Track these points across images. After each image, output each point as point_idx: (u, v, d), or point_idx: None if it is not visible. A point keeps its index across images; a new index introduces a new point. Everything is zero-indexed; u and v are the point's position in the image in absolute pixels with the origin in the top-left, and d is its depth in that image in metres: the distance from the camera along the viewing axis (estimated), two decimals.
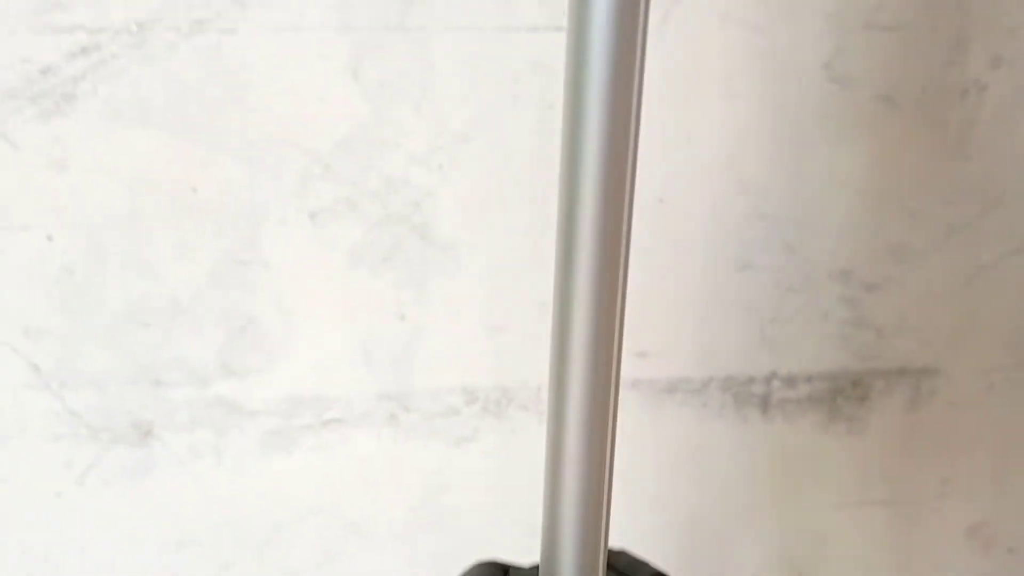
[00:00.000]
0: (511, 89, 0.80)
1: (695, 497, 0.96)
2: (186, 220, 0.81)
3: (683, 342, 0.91)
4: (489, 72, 0.79)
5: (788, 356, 0.93)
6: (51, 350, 0.83)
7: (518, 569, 0.50)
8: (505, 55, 0.79)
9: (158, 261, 0.82)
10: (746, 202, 0.87)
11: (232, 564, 0.92)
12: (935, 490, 1.00)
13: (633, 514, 0.95)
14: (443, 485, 0.92)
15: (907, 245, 0.91)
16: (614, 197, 0.38)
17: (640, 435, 0.93)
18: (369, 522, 0.92)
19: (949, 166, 0.88)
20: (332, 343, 0.86)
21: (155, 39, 0.76)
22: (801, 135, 0.86)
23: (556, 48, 0.79)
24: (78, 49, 0.76)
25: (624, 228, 0.39)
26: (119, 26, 0.76)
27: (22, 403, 0.84)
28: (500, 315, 0.87)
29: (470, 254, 0.85)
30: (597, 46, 0.36)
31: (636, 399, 0.92)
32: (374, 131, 0.81)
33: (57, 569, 0.89)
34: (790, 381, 0.94)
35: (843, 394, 0.95)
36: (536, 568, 0.49)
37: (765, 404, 0.94)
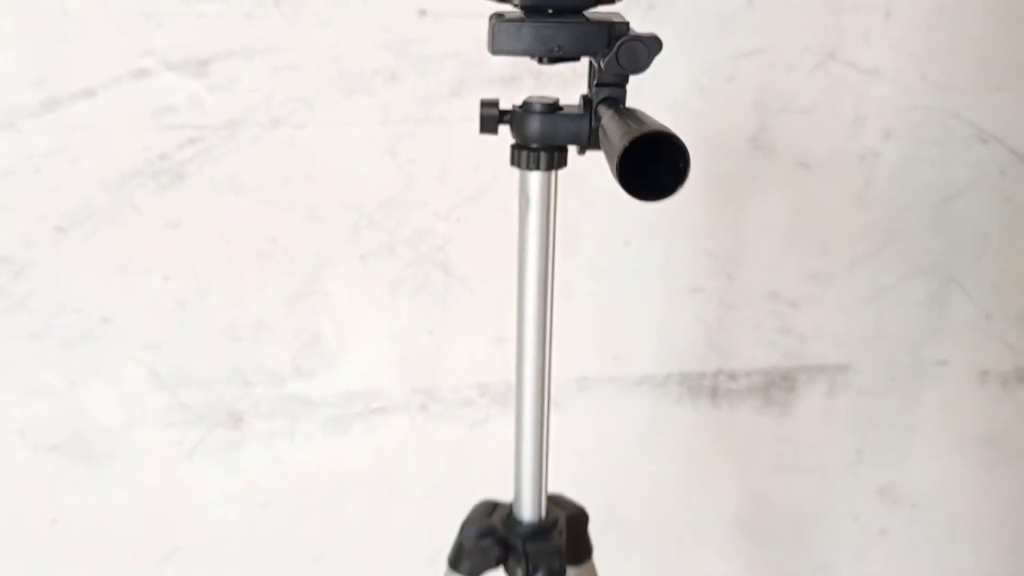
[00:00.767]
0: (508, 165, 1.05)
1: (658, 467, 1.22)
2: (267, 263, 1.07)
3: (648, 347, 1.17)
4: (492, 152, 1.04)
5: (731, 357, 1.19)
6: (167, 360, 1.10)
7: (502, 504, 0.78)
8: (504, 140, 1.04)
9: (247, 293, 1.08)
10: (696, 242, 1.13)
11: (302, 517, 1.19)
12: (851, 458, 1.25)
13: (608, 479, 1.22)
14: (462, 458, 1.18)
15: (822, 272, 1.16)
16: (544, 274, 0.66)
17: (614, 419, 1.19)
18: (405, 486, 1.19)
19: (852, 214, 1.13)
20: (377, 352, 1.13)
21: (244, 133, 1.02)
22: (736, 191, 1.11)
23: None
24: (186, 140, 1.02)
25: (549, 288, 0.67)
26: (217, 124, 1.02)
27: (145, 400, 1.11)
28: (504, 329, 1.12)
29: (480, 285, 1.11)
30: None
31: (611, 391, 1.18)
32: (407, 195, 1.07)
33: (172, 523, 1.17)
34: (733, 376, 1.19)
35: (775, 386, 1.21)
36: (510, 504, 0.76)
37: (713, 394, 1.20)
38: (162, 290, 1.07)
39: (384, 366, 1.14)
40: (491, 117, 0.65)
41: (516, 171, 0.68)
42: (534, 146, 0.66)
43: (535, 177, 0.67)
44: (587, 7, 0.61)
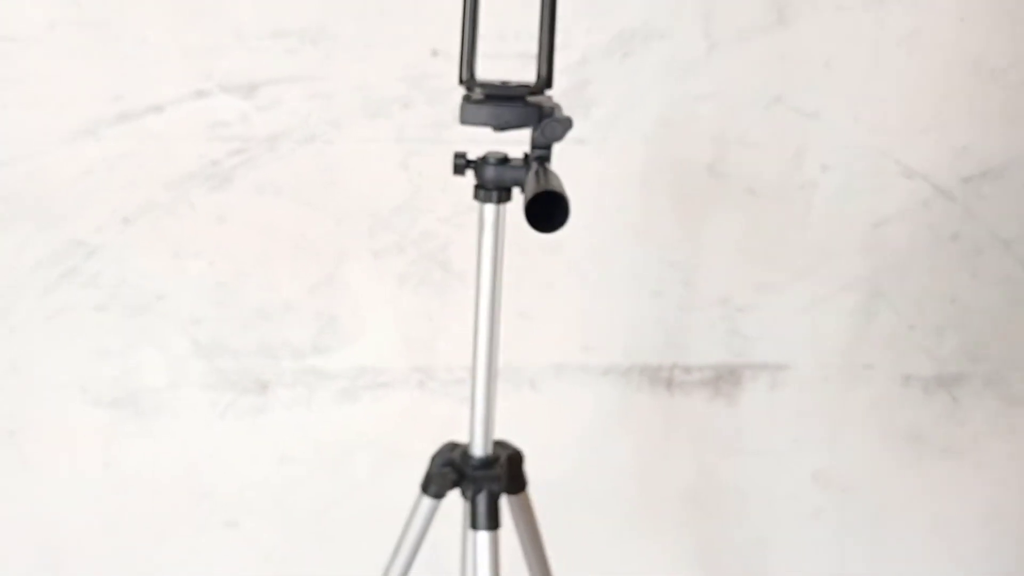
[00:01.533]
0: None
1: (620, 445, 1.42)
2: (297, 255, 1.28)
3: (615, 341, 1.37)
4: None
5: (686, 353, 1.38)
6: (207, 332, 1.31)
7: (460, 444, 1.01)
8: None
9: (278, 279, 1.29)
10: (660, 254, 1.32)
11: (315, 474, 1.39)
12: (788, 446, 1.45)
13: (581, 456, 1.41)
14: (453, 428, 1.38)
15: (768, 282, 1.35)
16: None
17: (584, 401, 1.39)
18: (405, 450, 1.38)
19: (794, 234, 1.33)
20: (384, 335, 1.33)
21: (283, 146, 1.23)
22: (695, 211, 1.31)
23: None
24: (235, 150, 1.23)
25: (499, 288, 0.88)
26: (261, 138, 1.22)
27: (187, 365, 1.32)
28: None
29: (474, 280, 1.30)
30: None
31: (583, 377, 1.38)
32: (415, 202, 1.27)
33: (204, 472, 1.37)
34: (687, 370, 1.39)
35: (723, 379, 1.40)
36: (467, 445, 0.98)
37: (669, 385, 1.40)
38: (208, 273, 1.28)
39: (390, 347, 1.34)
40: (460, 164, 0.88)
41: (477, 203, 0.89)
42: (489, 187, 0.88)
43: (489, 208, 0.90)
44: (526, 96, 0.83)
